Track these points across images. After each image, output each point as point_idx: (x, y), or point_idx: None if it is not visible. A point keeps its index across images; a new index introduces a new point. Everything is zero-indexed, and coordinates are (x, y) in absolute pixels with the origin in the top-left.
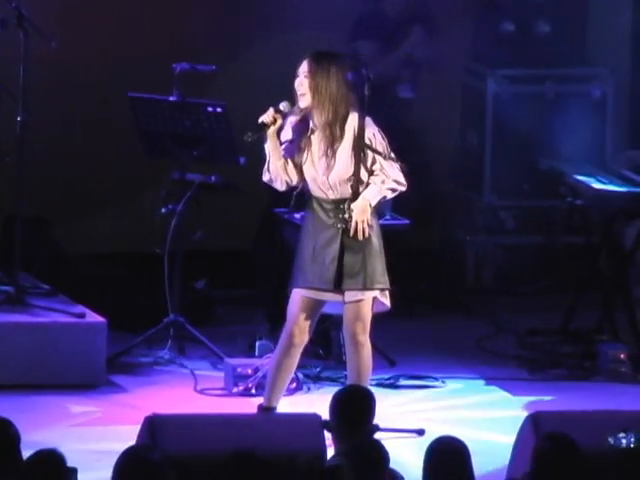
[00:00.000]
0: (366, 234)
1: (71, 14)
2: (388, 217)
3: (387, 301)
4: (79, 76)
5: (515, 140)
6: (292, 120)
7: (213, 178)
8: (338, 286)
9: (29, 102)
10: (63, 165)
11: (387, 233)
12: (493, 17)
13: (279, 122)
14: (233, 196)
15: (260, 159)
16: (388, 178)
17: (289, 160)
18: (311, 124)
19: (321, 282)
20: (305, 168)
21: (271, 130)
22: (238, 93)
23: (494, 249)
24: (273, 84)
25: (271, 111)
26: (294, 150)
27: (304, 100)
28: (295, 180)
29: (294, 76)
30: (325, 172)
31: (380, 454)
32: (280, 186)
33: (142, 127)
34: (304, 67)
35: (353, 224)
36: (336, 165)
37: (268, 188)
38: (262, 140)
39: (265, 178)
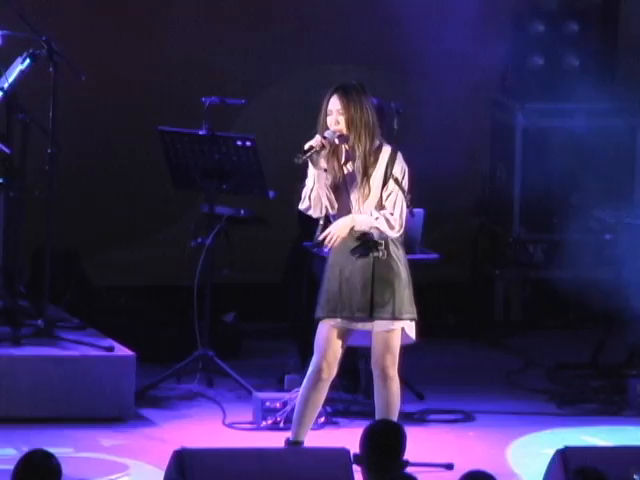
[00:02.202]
0: (332, 244)
1: (101, 47)
2: (417, 251)
3: (413, 334)
4: (109, 109)
5: (544, 174)
6: (324, 152)
7: (242, 212)
8: (370, 315)
9: (59, 135)
10: (92, 198)
11: (417, 267)
12: (522, 51)
13: (326, 149)
14: (262, 229)
15: (288, 194)
16: (387, 218)
17: (329, 188)
18: (343, 156)
19: (353, 310)
20: (340, 200)
21: (320, 155)
22: (267, 126)
23: (523, 283)
24: (303, 117)
25: (319, 137)
26: (330, 181)
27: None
28: (334, 207)
29: (319, 111)
30: (360, 203)
31: None
32: (319, 213)
33: (171, 160)
34: (335, 104)
35: (326, 232)
36: (371, 196)
37: (299, 222)
38: (307, 164)
39: (303, 206)
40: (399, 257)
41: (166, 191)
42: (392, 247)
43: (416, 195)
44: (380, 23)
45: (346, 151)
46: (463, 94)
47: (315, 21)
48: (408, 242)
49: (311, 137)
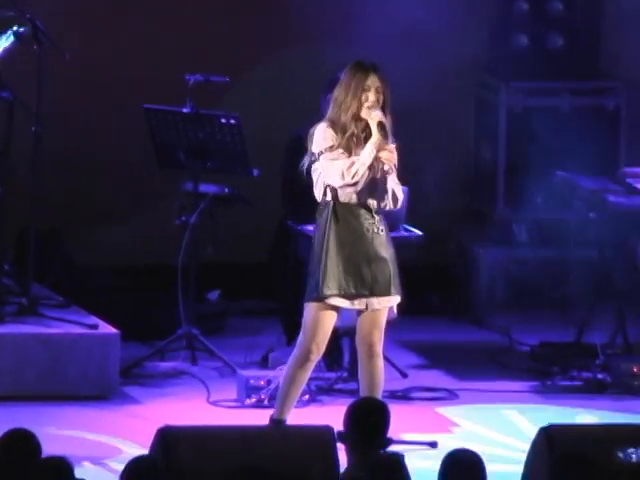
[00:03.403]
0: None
1: (86, 26)
2: (402, 230)
3: (395, 309)
4: (93, 87)
5: (528, 153)
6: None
7: (227, 190)
8: (371, 293)
9: (43, 114)
10: (77, 177)
11: (401, 246)
12: (507, 30)
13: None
14: (246, 208)
15: (272, 172)
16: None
17: None
18: (355, 132)
19: (352, 289)
20: None
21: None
22: (251, 105)
23: (507, 262)
24: (287, 96)
25: (379, 113)
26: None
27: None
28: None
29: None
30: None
31: (400, 468)
32: (359, 189)
33: (156, 139)
34: (376, 81)
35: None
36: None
37: (283, 201)
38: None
39: (353, 180)
40: (388, 234)
41: (150, 169)
42: (384, 223)
43: (400, 174)
44: (364, 5)
45: (358, 130)
46: (447, 73)
47: (301, 2)
48: (392, 220)
49: (296, 115)
